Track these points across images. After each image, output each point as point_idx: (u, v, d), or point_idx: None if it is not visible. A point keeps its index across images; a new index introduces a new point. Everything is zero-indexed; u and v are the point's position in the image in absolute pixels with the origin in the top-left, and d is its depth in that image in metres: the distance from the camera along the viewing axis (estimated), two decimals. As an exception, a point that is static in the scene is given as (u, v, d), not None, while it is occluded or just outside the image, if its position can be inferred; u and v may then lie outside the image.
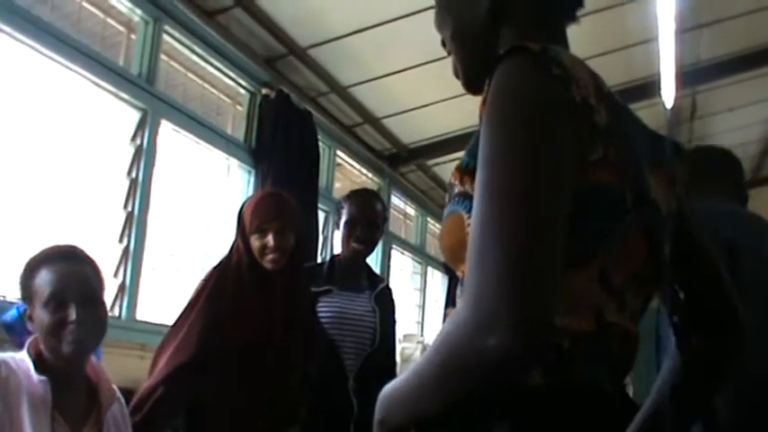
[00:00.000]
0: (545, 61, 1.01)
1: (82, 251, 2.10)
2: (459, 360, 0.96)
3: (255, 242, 2.66)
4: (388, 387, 1.09)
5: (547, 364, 1.05)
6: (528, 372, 1.03)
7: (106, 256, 3.75)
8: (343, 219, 3.28)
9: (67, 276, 2.00)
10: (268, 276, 2.69)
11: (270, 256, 2.66)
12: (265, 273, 2.68)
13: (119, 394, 2.15)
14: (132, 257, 3.83)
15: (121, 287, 3.79)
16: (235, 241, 2.75)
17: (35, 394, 1.91)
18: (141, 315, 3.91)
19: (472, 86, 1.26)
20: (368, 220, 3.26)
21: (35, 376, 1.94)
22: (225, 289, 2.65)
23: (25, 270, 2.04)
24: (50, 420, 1.91)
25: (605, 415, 1.07)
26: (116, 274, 3.79)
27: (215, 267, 2.75)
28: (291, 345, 2.72)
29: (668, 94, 5.36)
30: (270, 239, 2.64)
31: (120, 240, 3.83)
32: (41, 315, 1.98)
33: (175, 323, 2.68)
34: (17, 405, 1.87)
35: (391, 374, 3.42)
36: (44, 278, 1.99)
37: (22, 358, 1.99)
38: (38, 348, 2.01)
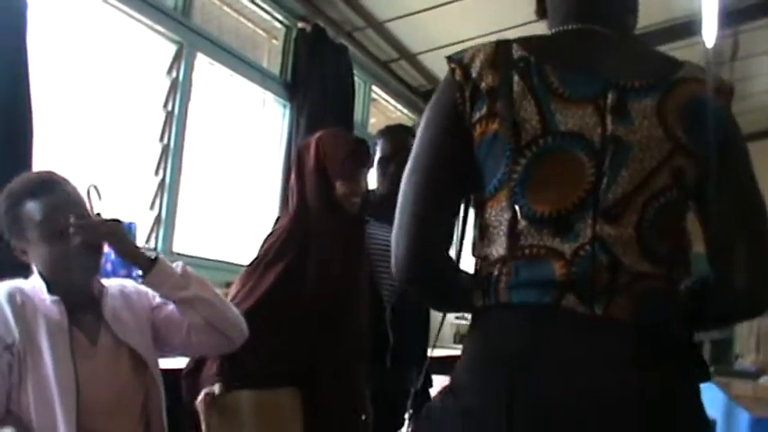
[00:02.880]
0: (450, 62, 1.39)
1: (58, 175, 2.08)
2: None
3: (343, 187, 2.68)
4: None
5: (481, 289, 1.35)
6: (423, 292, 1.51)
7: (142, 188, 3.79)
8: (377, 155, 3.29)
9: (57, 203, 2.00)
10: (348, 219, 2.73)
11: (356, 200, 2.70)
12: (344, 216, 2.71)
13: (105, 284, 2.17)
14: (168, 190, 3.88)
15: (157, 219, 3.85)
16: (303, 185, 2.74)
17: (51, 316, 1.96)
18: (178, 247, 3.96)
19: None
20: (401, 157, 3.25)
21: (48, 297, 1.98)
22: (311, 235, 2.65)
23: (7, 207, 2.02)
24: (69, 337, 1.95)
25: (551, 336, 1.24)
26: (152, 207, 3.84)
27: (288, 215, 2.74)
28: (365, 285, 2.79)
29: (709, 33, 5.23)
30: (360, 184, 2.69)
31: (156, 173, 3.87)
32: (39, 250, 2.00)
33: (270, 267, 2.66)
34: (36, 329, 1.92)
35: (427, 310, 3.46)
36: (32, 210, 1.99)
37: (34, 279, 2.03)
38: None
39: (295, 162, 2.82)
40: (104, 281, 2.19)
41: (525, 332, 1.26)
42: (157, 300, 2.22)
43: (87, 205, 2.11)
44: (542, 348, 1.23)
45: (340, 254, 2.69)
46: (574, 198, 1.27)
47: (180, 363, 2.61)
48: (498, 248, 1.32)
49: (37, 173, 2.10)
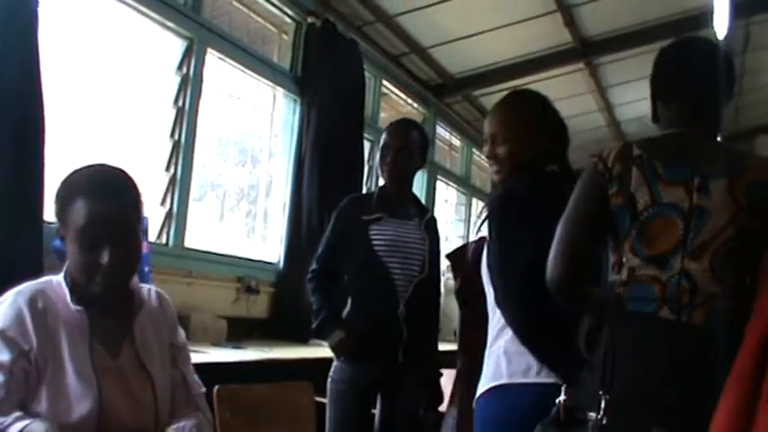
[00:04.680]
0: (594, 158, 2.00)
1: (125, 181, 1.97)
2: None
3: None
4: None
5: (616, 302, 1.93)
6: (571, 302, 2.02)
7: (153, 184, 3.81)
8: (379, 147, 3.34)
9: (103, 216, 1.88)
10: None
11: None
12: None
13: (146, 297, 2.08)
14: (179, 186, 3.89)
15: (168, 215, 3.86)
16: None
17: (72, 324, 1.89)
18: (189, 242, 3.98)
19: None
20: (398, 146, 3.27)
21: (71, 305, 1.91)
22: None
23: (63, 191, 1.92)
24: (89, 348, 1.89)
25: (651, 332, 1.89)
26: (163, 203, 3.86)
27: None
28: None
29: (721, 25, 5.21)
30: None
31: (168, 169, 3.88)
32: (72, 249, 1.91)
33: None
34: (56, 335, 1.86)
35: (436, 305, 3.48)
36: (79, 211, 1.88)
37: (59, 283, 1.95)
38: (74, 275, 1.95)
39: None
40: (144, 289, 2.10)
41: (633, 330, 1.90)
42: (180, 339, 2.15)
43: (140, 216, 2.00)
44: (644, 342, 1.89)
45: None
46: (670, 245, 1.90)
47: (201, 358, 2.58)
48: (623, 276, 1.95)
49: (105, 170, 1.97)
